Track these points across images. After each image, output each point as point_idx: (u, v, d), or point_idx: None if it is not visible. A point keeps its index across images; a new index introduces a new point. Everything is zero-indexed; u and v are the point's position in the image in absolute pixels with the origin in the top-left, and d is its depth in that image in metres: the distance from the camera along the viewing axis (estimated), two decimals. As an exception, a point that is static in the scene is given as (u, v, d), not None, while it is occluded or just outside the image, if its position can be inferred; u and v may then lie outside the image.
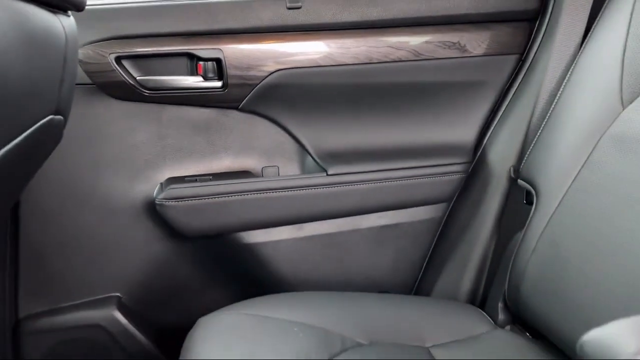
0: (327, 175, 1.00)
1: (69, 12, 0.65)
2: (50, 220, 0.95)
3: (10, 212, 0.91)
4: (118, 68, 0.90)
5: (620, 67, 0.81)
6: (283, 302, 0.86)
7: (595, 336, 0.36)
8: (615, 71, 0.81)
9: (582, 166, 0.80)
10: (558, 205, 0.82)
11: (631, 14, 0.82)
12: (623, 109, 0.78)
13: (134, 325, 0.99)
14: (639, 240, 0.68)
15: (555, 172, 0.85)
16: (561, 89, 0.90)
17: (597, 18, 0.90)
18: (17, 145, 0.52)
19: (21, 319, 0.97)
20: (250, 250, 1.02)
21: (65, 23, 0.60)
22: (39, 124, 0.57)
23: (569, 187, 0.81)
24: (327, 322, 0.81)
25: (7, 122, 0.49)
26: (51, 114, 0.60)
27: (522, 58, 1.04)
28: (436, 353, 0.80)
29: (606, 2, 0.89)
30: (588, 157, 0.80)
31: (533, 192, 0.88)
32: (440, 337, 0.84)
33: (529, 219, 0.86)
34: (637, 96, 0.78)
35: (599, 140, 0.79)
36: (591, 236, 0.75)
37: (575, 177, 0.81)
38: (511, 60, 1.04)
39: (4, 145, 0.50)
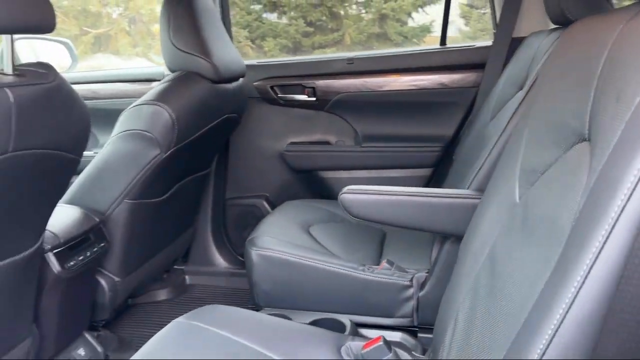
0: (362, 146, 1.98)
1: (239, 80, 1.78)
2: (241, 147, 2.11)
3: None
4: (271, 91, 2.01)
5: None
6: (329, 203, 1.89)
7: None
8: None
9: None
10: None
11: (529, 66, 1.58)
12: (491, 120, 1.57)
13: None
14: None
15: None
16: (491, 107, 1.68)
17: (505, 70, 1.66)
18: (215, 125, 1.65)
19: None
20: (327, 180, 2.06)
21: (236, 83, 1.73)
22: (223, 117, 1.70)
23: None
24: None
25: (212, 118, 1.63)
26: (229, 114, 1.73)
27: (478, 89, 1.83)
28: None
29: (509, 61, 1.65)
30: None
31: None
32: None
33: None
34: (496, 114, 1.55)
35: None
36: None
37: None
38: (473, 90, 1.85)
39: (212, 123, 1.63)
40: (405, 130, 1.96)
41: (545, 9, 1.17)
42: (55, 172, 1.02)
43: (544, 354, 0.47)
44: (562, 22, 1.33)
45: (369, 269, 1.39)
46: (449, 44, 1.92)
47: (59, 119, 0.96)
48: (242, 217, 2.17)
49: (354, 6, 8.64)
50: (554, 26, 1.58)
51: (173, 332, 1.04)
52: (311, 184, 2.10)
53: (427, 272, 1.37)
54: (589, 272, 0.44)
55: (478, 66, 1.83)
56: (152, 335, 1.03)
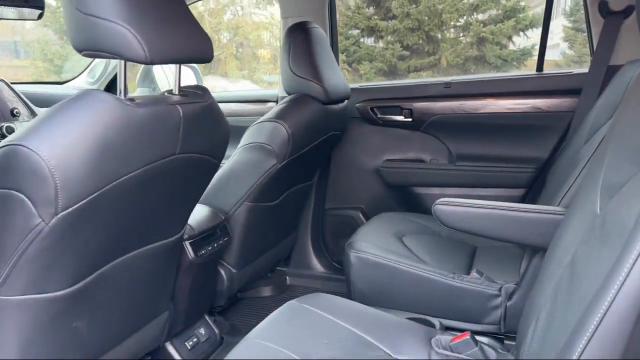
0: (455, 165, 2.10)
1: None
2: (341, 162, 2.31)
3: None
4: (371, 112, 2.20)
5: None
6: (421, 216, 2.02)
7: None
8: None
9: None
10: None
11: (624, 93, 1.63)
12: (584, 144, 1.64)
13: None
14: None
15: None
16: (586, 131, 1.74)
17: (600, 96, 1.71)
18: (322, 140, 1.86)
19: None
20: (419, 195, 2.20)
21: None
22: (329, 134, 1.91)
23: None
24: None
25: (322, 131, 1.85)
26: (334, 131, 1.94)
27: (575, 113, 1.89)
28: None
29: (605, 89, 1.70)
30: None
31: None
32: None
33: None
34: (590, 137, 1.61)
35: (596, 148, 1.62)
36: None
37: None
38: (570, 114, 1.91)
39: (320, 138, 1.84)
40: (499, 151, 2.06)
41: None
42: (203, 173, 1.27)
43: (582, 353, 0.53)
44: None
45: (459, 277, 1.51)
46: (547, 69, 2.00)
47: (210, 130, 1.20)
48: (339, 227, 2.35)
49: (452, 30, 8.70)
50: (652, 54, 1.63)
51: (287, 311, 1.24)
52: (404, 198, 2.25)
53: (515, 284, 1.47)
54: (629, 272, 0.53)
55: (574, 92, 1.89)
56: (258, 324, 1.20)
